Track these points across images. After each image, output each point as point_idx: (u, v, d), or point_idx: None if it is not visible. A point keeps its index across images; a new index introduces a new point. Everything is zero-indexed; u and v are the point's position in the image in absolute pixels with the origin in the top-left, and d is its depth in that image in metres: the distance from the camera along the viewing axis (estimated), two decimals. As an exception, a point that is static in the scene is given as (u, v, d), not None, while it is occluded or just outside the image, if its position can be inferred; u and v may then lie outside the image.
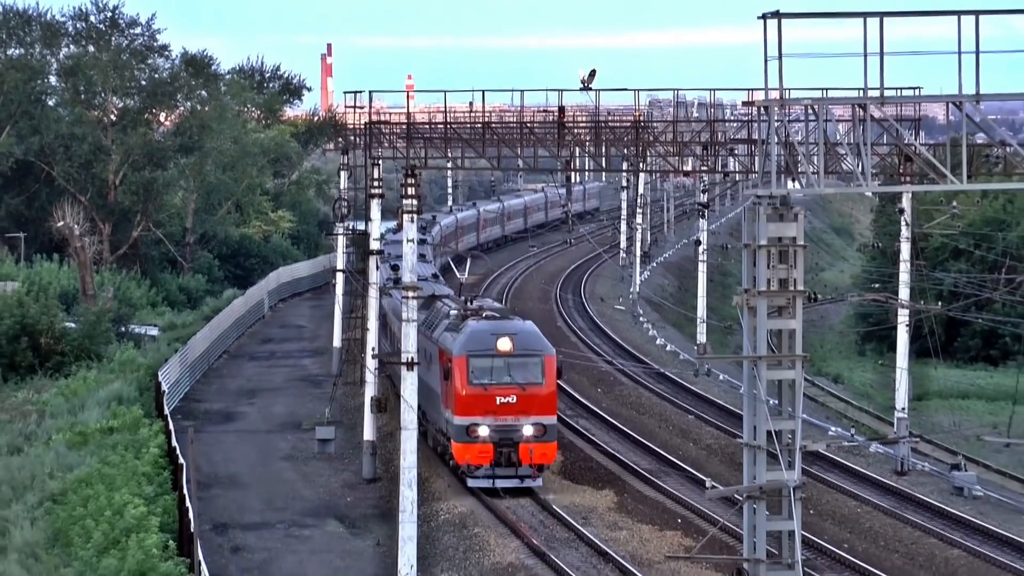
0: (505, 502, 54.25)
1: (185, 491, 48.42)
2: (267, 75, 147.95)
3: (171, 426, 61.98)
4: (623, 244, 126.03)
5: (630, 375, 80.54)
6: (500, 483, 54.99)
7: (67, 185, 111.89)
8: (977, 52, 26.37)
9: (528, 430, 54.43)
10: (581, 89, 55.67)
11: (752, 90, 55.35)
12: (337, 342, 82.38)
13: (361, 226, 66.96)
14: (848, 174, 28.60)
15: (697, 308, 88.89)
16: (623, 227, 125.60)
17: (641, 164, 62.69)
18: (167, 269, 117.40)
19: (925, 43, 26.53)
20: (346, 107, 75.88)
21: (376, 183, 58.31)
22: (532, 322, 58.35)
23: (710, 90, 65.84)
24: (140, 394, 70.79)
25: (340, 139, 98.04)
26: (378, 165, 58.05)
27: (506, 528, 51.36)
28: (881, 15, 26.02)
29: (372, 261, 59.46)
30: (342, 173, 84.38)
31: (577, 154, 62.84)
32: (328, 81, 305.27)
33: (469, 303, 60.42)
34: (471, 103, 67.06)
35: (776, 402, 27.08)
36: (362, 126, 63.87)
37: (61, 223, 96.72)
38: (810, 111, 27.02)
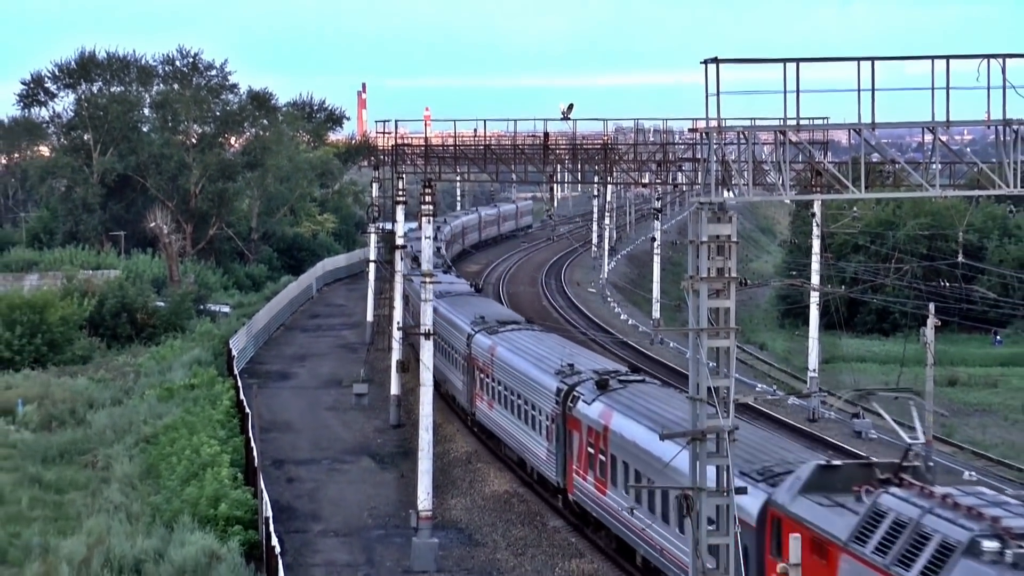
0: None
1: (250, 434, 48.38)
2: (315, 108, 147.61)
3: (239, 383, 61.91)
4: (594, 240, 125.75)
5: (600, 343, 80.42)
6: None
7: (158, 194, 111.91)
8: (873, 90, 26.27)
9: None
10: (562, 119, 55.44)
11: (696, 119, 55.20)
12: (370, 317, 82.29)
13: (389, 226, 66.79)
14: (771, 185, 28.49)
15: (653, 291, 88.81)
16: (594, 227, 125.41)
17: (608, 178, 62.46)
18: (236, 260, 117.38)
19: (832, 82, 26.41)
20: (377, 133, 75.68)
21: (400, 192, 58.19)
22: None
23: (663, 119, 65.70)
24: (215, 358, 70.74)
25: (372, 158, 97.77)
26: (402, 178, 57.92)
27: (502, 464, 51.27)
28: (797, 61, 25.90)
29: (397, 254, 59.33)
30: (374, 185, 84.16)
31: (558, 170, 62.59)
32: (363, 112, 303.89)
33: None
34: (476, 130, 66.76)
35: (715, 364, 27.01)
36: (389, 148, 63.59)
37: (153, 224, 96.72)
38: (741, 136, 26.93)
